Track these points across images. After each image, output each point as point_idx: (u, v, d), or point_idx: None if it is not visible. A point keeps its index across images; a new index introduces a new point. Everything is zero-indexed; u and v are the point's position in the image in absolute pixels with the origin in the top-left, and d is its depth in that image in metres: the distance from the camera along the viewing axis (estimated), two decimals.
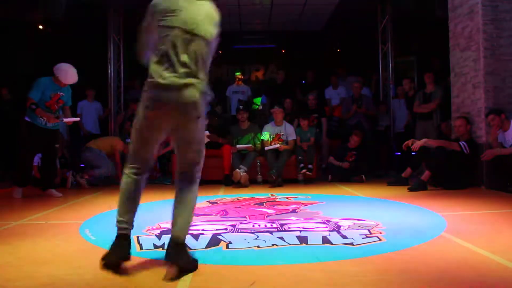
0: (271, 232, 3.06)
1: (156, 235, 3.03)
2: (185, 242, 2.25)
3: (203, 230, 3.16)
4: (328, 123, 7.90)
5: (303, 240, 2.84)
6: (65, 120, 5.39)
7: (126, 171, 2.31)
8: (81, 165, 7.11)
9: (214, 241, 2.84)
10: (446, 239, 2.80)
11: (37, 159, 6.28)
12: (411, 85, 7.96)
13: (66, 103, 5.44)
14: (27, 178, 5.36)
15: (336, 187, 5.93)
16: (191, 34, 2.22)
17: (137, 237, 2.94)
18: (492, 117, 5.24)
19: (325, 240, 2.81)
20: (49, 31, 9.34)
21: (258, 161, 6.54)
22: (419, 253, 2.50)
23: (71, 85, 5.41)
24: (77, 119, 5.84)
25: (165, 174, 7.53)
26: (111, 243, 2.20)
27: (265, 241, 2.80)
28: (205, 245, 2.72)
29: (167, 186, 6.44)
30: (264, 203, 4.52)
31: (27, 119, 5.18)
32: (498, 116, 5.20)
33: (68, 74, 5.21)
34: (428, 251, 2.54)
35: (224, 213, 3.97)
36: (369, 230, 3.06)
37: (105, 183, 6.56)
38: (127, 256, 2.20)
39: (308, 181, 6.44)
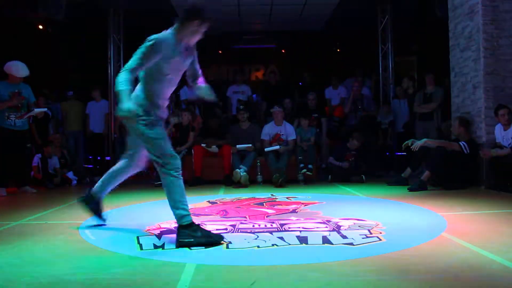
0: (271, 232, 3.05)
1: (156, 235, 3.03)
2: None
3: None
4: (328, 123, 7.89)
5: (303, 240, 2.83)
6: (36, 110, 5.50)
7: None
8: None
9: None
10: (446, 239, 2.80)
11: (37, 160, 6.30)
12: (410, 83, 7.94)
13: (29, 99, 5.53)
14: (5, 177, 5.47)
15: (336, 187, 5.93)
16: None
17: (137, 237, 2.94)
18: (503, 112, 5.16)
19: (325, 240, 2.81)
20: (49, 31, 9.34)
21: (258, 161, 6.54)
22: (419, 253, 2.49)
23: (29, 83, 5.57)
24: (45, 109, 5.97)
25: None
26: None
27: (265, 241, 2.80)
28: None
29: None
30: (264, 203, 4.52)
31: None
32: (510, 113, 5.14)
33: (19, 67, 5.36)
34: (428, 251, 2.54)
35: (224, 213, 3.97)
36: (369, 230, 3.06)
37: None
38: None
39: (308, 181, 6.44)
